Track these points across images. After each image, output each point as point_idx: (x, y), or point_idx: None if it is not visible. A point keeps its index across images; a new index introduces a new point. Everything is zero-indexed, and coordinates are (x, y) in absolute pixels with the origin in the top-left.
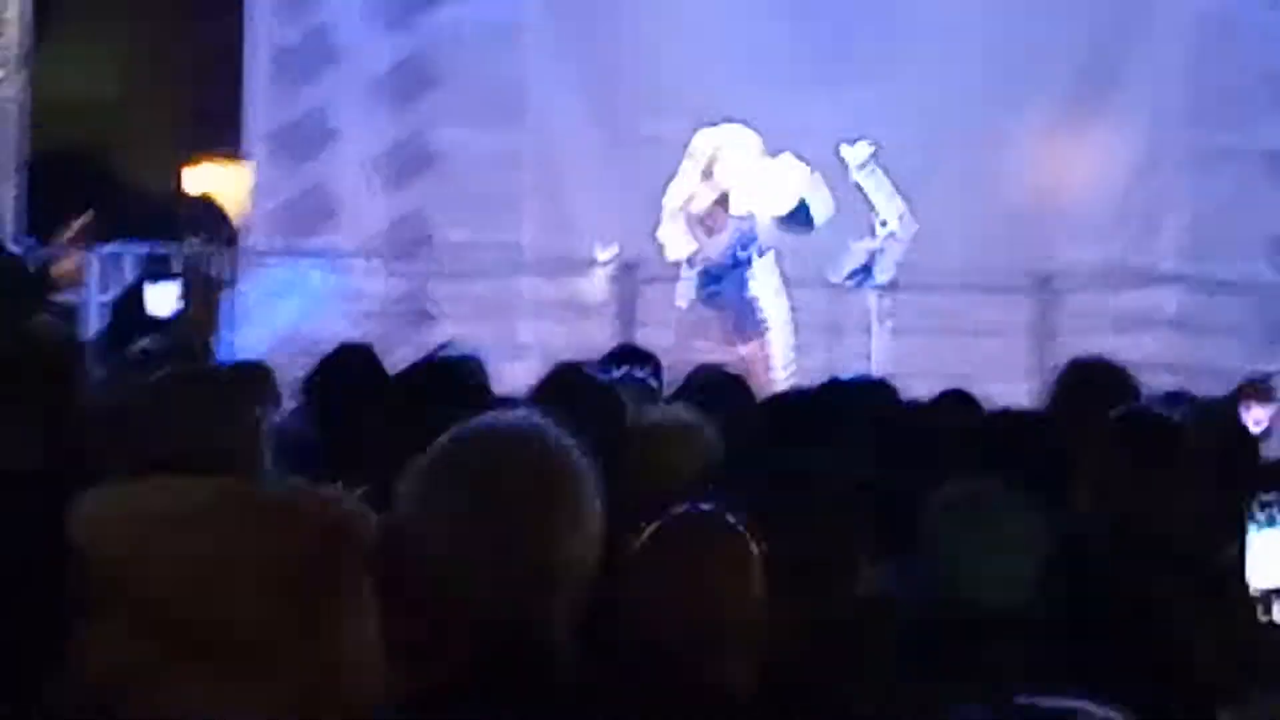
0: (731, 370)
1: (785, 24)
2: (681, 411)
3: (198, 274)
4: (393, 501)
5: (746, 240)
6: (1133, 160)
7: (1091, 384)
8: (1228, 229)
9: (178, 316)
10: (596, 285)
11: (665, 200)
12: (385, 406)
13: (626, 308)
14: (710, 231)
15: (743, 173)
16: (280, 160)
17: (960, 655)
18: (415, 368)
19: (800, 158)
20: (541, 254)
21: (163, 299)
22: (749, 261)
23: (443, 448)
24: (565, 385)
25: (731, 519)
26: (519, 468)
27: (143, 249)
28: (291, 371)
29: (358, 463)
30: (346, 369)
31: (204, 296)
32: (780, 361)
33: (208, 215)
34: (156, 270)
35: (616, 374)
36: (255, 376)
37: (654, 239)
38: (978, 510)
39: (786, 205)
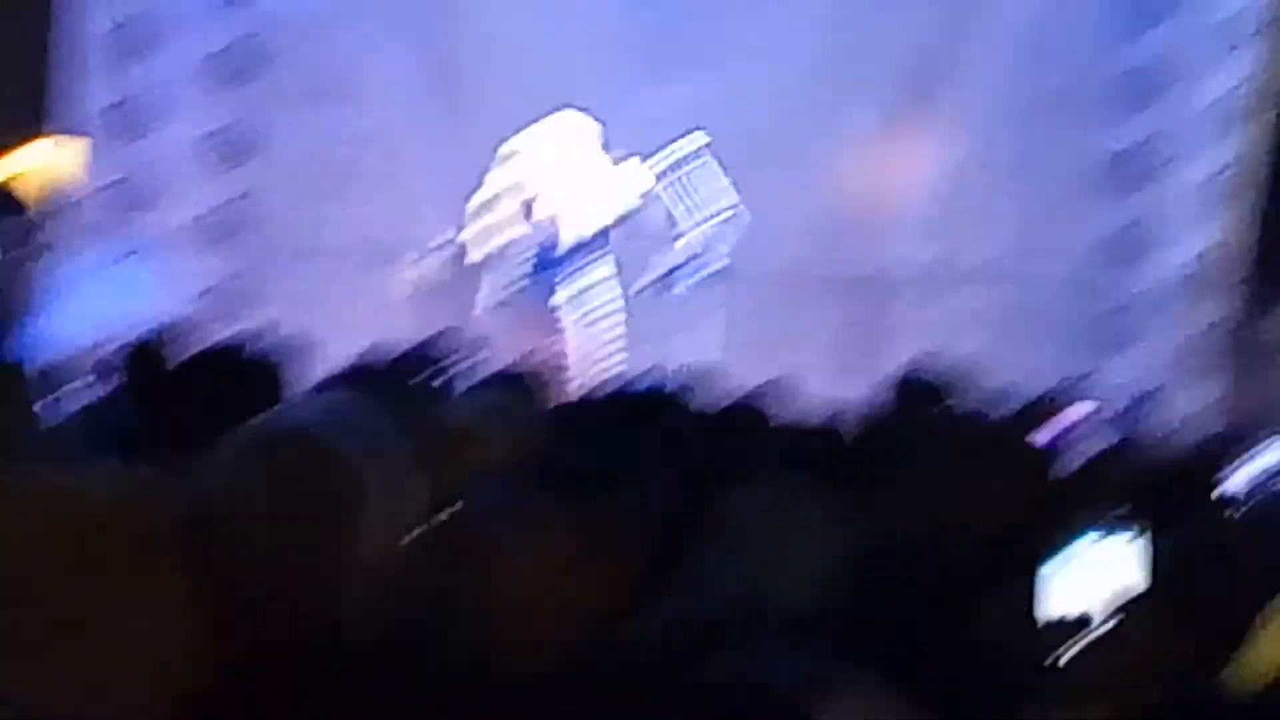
0: (533, 371)
1: (620, 9)
2: (473, 412)
3: None
4: (198, 486)
5: (549, 244)
6: (964, 158)
7: (923, 386)
8: (1056, 229)
9: None
10: (429, 269)
11: (473, 204)
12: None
13: (458, 293)
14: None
15: (548, 178)
16: (110, 140)
17: (755, 653)
18: (215, 353)
19: (633, 145)
20: (374, 238)
21: None
22: (563, 262)
23: (247, 436)
24: (371, 373)
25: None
26: (315, 462)
27: None
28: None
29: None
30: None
31: None
32: (594, 362)
33: (28, 196)
34: None
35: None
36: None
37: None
38: (774, 509)
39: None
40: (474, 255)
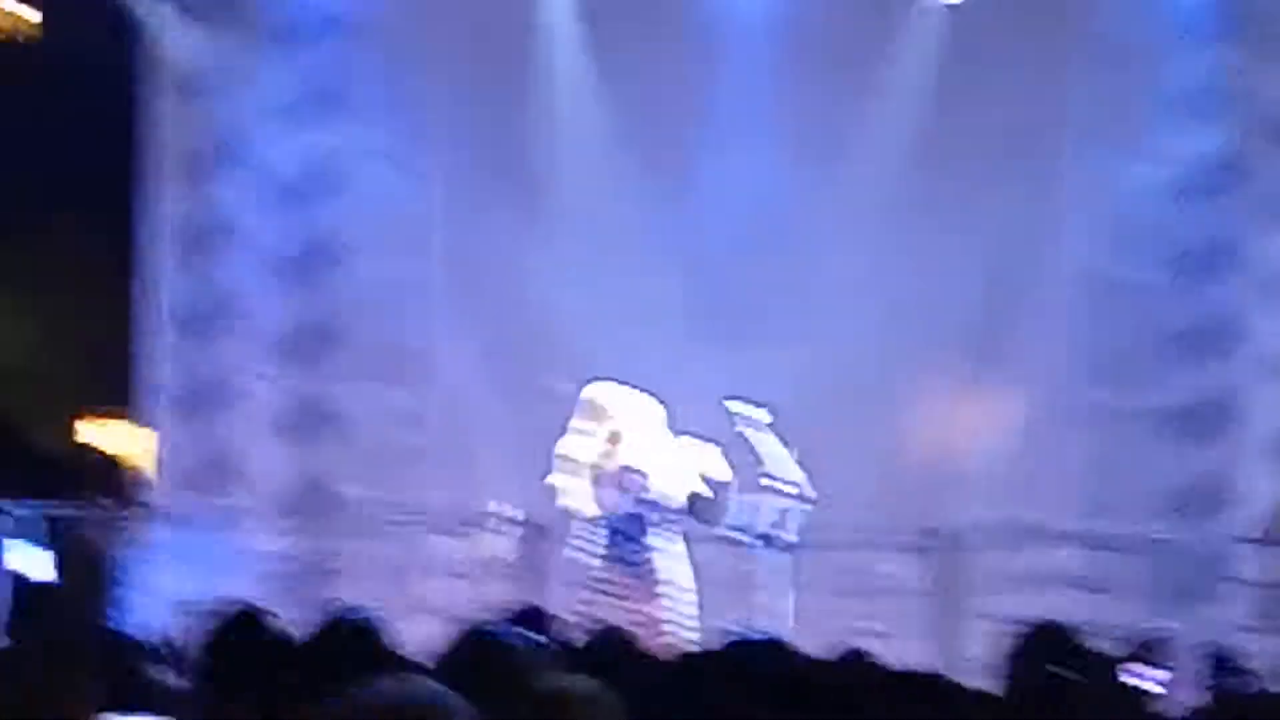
0: (633, 631)
1: (678, 281)
2: (582, 677)
3: (77, 544)
4: None
5: (644, 501)
6: (1027, 418)
7: (1045, 646)
8: (1122, 486)
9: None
10: (501, 543)
11: (561, 449)
12: (286, 677)
13: (531, 566)
14: (620, 489)
15: (645, 441)
16: (185, 421)
17: None
18: (317, 635)
19: (696, 421)
20: (444, 511)
21: (30, 562)
22: (648, 523)
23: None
24: (474, 648)
25: None
26: None
27: (38, 508)
28: (193, 633)
29: None
30: (242, 635)
31: (83, 568)
32: (681, 623)
33: (109, 475)
34: (26, 530)
35: (519, 635)
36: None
37: (549, 487)
38: None
39: (689, 491)
40: (568, 502)
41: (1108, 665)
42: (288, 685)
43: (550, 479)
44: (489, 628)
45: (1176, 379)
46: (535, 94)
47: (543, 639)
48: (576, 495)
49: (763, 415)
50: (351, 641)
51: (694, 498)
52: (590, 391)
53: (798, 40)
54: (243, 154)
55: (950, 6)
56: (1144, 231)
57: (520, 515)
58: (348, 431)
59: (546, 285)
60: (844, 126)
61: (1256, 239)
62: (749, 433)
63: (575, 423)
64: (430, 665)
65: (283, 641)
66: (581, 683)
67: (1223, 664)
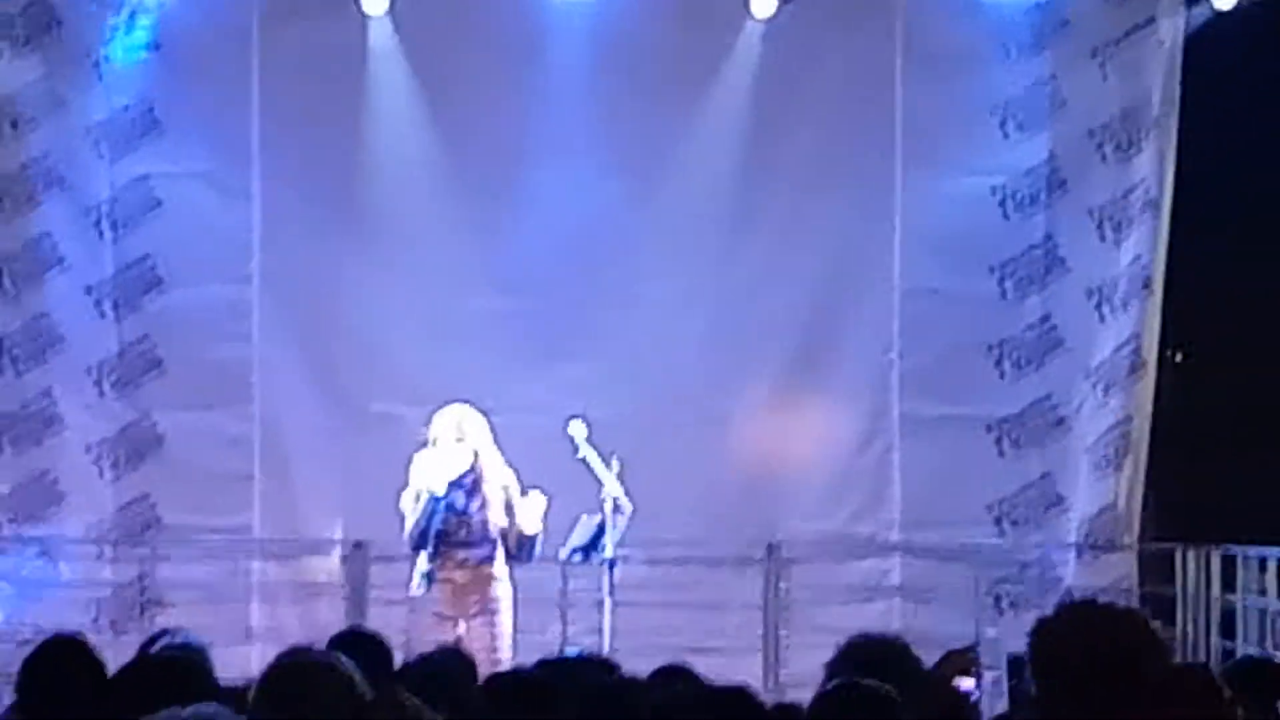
0: (455, 650)
1: (505, 300)
2: (404, 697)
3: None
4: None
5: (456, 518)
6: (853, 430)
7: (868, 660)
8: (948, 496)
9: None
10: (327, 566)
11: (415, 470)
12: (101, 706)
13: (358, 587)
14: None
15: (449, 440)
16: (5, 448)
17: None
18: (133, 664)
19: (520, 435)
20: (270, 535)
21: None
22: (473, 542)
23: None
24: (294, 670)
25: None
26: None
27: None
28: (9, 663)
29: None
30: (57, 663)
31: None
32: (506, 641)
33: None
34: None
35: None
36: None
37: (397, 508)
38: None
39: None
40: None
41: (923, 674)
42: (102, 714)
43: (401, 500)
44: (303, 654)
45: (1001, 388)
46: (358, 117)
47: (367, 660)
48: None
49: (580, 428)
50: (168, 669)
51: (510, 535)
52: (438, 420)
53: (621, 58)
54: (62, 180)
55: (770, 21)
56: (969, 242)
57: (345, 537)
58: (170, 456)
59: (370, 306)
60: (669, 143)
61: (1080, 248)
62: (579, 444)
63: (437, 438)
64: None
65: (97, 669)
66: (398, 700)
67: (1020, 667)
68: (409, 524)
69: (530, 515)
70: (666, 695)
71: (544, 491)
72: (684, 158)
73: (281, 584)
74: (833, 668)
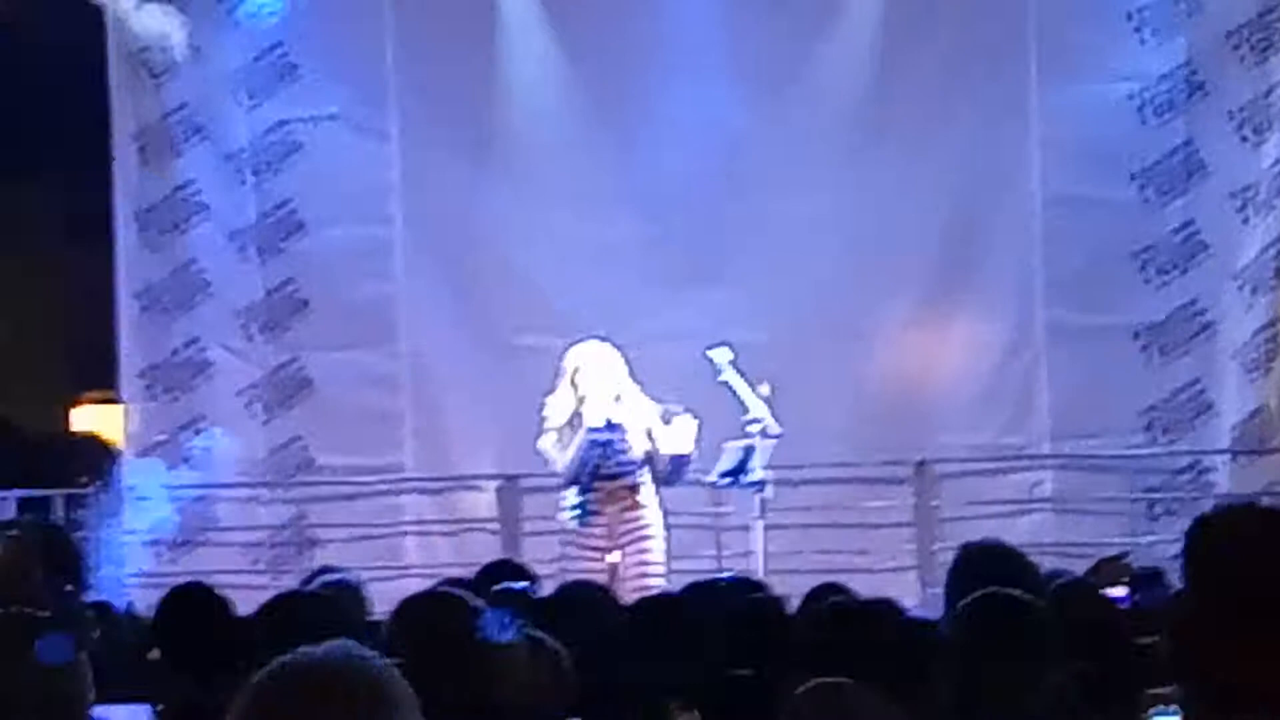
0: (599, 581)
1: (644, 226)
2: (531, 633)
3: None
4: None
5: (608, 453)
6: (998, 343)
7: (985, 569)
8: (1097, 406)
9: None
10: (481, 500)
11: (544, 413)
12: (247, 642)
13: (511, 521)
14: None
15: (599, 388)
16: (155, 395)
17: None
18: (284, 599)
19: (664, 364)
20: (422, 472)
21: None
22: (618, 474)
23: (259, 684)
24: (422, 606)
25: None
26: (332, 701)
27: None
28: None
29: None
30: (189, 612)
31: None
32: (657, 568)
33: (95, 455)
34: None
35: (494, 589)
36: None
37: (535, 451)
38: (834, 705)
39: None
40: (554, 460)
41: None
42: (243, 656)
43: (539, 442)
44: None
45: (1146, 295)
46: (490, 50)
47: (516, 589)
48: (554, 455)
49: (725, 354)
50: (318, 605)
51: (659, 460)
52: (568, 357)
53: None
54: (202, 128)
55: None
56: (1108, 149)
57: (496, 470)
58: (320, 398)
59: (511, 239)
60: (800, 59)
61: (1221, 152)
62: (722, 369)
63: (558, 386)
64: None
65: (223, 614)
66: (526, 639)
67: (1139, 577)
68: (565, 459)
69: (682, 438)
70: (812, 612)
71: (694, 416)
72: (816, 73)
73: (435, 519)
74: (952, 579)
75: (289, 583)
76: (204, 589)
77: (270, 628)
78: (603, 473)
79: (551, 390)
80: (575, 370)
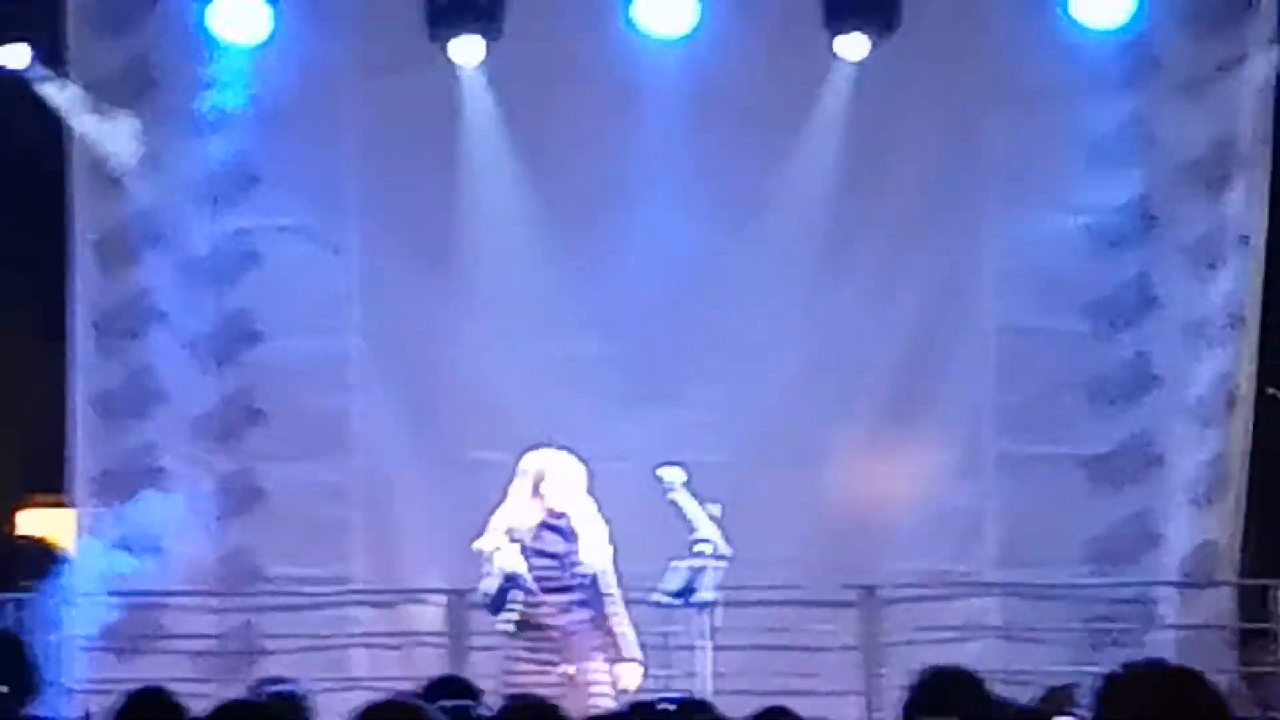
0: (550, 696)
1: (602, 345)
2: None
3: None
4: None
5: (563, 564)
6: (949, 470)
7: (945, 693)
8: (1044, 535)
9: None
10: (428, 614)
11: (494, 518)
12: None
13: (459, 635)
14: (537, 552)
15: (568, 497)
16: (107, 501)
17: None
18: (233, 707)
19: (620, 482)
20: (372, 584)
21: None
22: (570, 586)
23: None
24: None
25: None
26: None
27: None
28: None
29: None
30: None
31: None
32: (609, 689)
33: (43, 558)
34: None
35: (439, 705)
36: None
37: (474, 551)
38: None
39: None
40: (498, 564)
41: (1015, 712)
42: None
43: (481, 543)
44: (391, 703)
45: (1097, 426)
46: (453, 166)
47: (460, 706)
48: (507, 559)
49: (679, 474)
50: (264, 713)
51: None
52: (525, 459)
53: (713, 100)
54: (162, 235)
55: (861, 63)
56: (1062, 280)
57: (445, 585)
58: (272, 508)
59: (467, 354)
60: (761, 184)
61: (1173, 284)
62: (673, 488)
63: (512, 489)
64: None
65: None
66: None
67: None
68: (485, 586)
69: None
70: None
71: (643, 536)
72: (777, 199)
73: (383, 632)
74: (911, 702)
75: (236, 691)
76: (161, 692)
77: None
78: (551, 585)
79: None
80: (541, 478)
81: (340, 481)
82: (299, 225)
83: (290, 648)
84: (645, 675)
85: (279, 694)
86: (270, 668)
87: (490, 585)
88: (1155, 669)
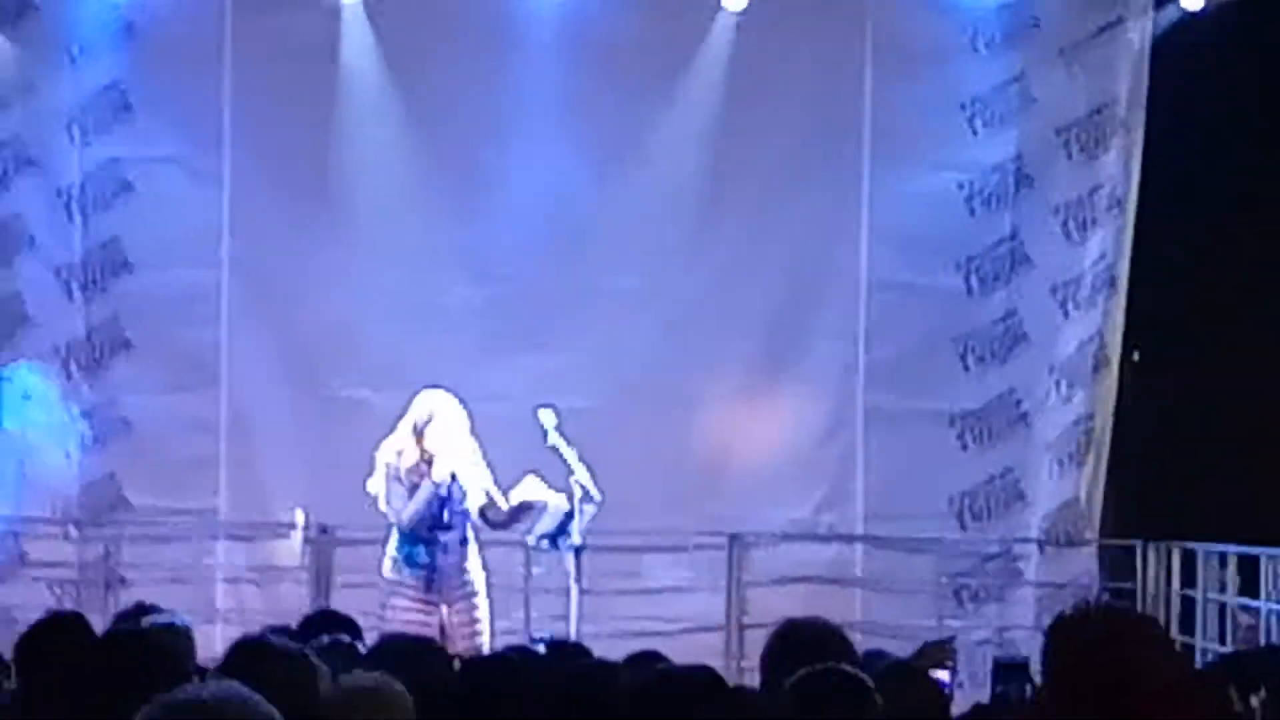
0: (426, 634)
1: (475, 287)
2: (376, 676)
3: None
4: None
5: (447, 506)
6: (819, 422)
7: (803, 643)
8: (911, 489)
9: None
10: (292, 549)
11: (378, 454)
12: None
13: (323, 571)
14: (412, 491)
15: (449, 441)
16: None
17: None
18: (119, 638)
19: (491, 424)
20: (236, 519)
21: None
22: (452, 526)
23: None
24: (252, 656)
25: None
26: None
27: None
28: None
29: None
30: (55, 641)
31: None
32: (485, 626)
33: None
34: None
35: (316, 640)
36: None
37: (365, 492)
38: None
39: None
40: (383, 505)
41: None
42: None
43: (370, 484)
44: (264, 636)
45: (966, 383)
46: (330, 104)
47: (338, 641)
48: (391, 499)
49: (550, 417)
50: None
51: (484, 513)
52: (416, 400)
53: (593, 46)
54: (33, 161)
55: (742, 14)
56: (935, 237)
57: (309, 521)
58: (137, 439)
59: (339, 291)
60: (639, 131)
61: (1045, 245)
62: (549, 432)
63: (399, 427)
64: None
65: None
66: (372, 680)
67: (1004, 667)
68: (409, 510)
69: (533, 493)
70: (637, 677)
71: (521, 476)
72: (654, 148)
73: (246, 566)
74: (771, 652)
75: (96, 621)
76: (70, 615)
77: (114, 664)
78: (440, 525)
79: (388, 433)
80: (427, 420)
81: (207, 415)
82: (172, 156)
83: (152, 579)
84: (509, 617)
85: (162, 625)
86: (130, 599)
87: (416, 510)
88: (1106, 610)
